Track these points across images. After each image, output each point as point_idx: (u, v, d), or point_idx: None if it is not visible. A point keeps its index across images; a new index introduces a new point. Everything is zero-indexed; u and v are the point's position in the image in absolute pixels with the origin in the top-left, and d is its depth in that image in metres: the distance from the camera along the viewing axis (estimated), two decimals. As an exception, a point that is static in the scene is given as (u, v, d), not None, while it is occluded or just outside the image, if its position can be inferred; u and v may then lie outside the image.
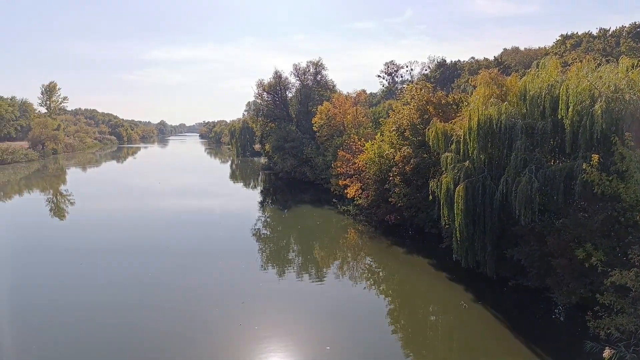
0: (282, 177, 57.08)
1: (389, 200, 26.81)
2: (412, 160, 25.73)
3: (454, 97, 27.03)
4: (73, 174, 74.05)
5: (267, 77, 64.48)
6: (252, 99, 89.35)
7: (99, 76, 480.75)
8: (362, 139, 35.42)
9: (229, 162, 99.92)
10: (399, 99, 38.34)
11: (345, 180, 33.94)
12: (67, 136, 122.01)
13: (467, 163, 18.71)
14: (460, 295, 18.33)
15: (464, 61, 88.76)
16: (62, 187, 55.73)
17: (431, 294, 19.96)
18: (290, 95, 64.25)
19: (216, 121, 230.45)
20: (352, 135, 37.43)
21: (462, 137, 18.92)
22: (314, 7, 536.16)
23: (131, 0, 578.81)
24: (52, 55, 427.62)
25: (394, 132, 28.88)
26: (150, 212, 37.35)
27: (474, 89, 20.83)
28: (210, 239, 28.51)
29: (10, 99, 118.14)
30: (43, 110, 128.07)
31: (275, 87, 62.44)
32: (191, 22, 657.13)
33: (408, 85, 34.26)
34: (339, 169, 35.43)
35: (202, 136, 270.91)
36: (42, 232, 31.38)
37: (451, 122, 21.39)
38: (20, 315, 16.57)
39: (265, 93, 63.24)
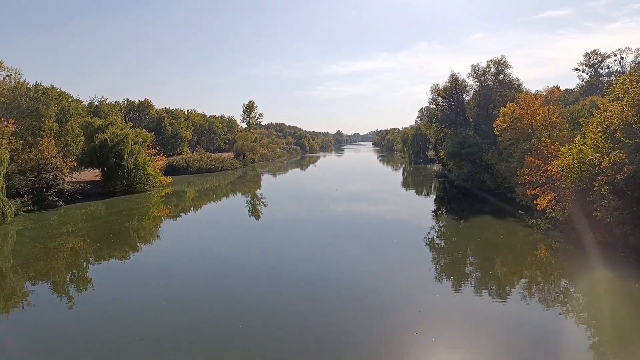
0: (457, 185, 54.21)
1: (593, 214, 22.54)
2: (625, 168, 21.16)
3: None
4: (266, 179, 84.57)
5: (442, 82, 62.49)
6: (425, 105, 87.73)
7: (286, 93, 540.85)
8: (556, 143, 30.85)
9: (401, 170, 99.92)
10: (605, 95, 32.42)
11: (534, 189, 30.01)
12: (262, 147, 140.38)
13: None
14: None
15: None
16: (258, 191, 63.99)
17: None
18: (467, 98, 60.80)
19: (388, 129, 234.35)
20: (542, 138, 32.94)
21: None
22: (495, 1, 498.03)
23: (315, 22, 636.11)
24: (252, 78, 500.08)
25: (599, 134, 24.28)
26: (328, 215, 39.72)
27: None
28: (382, 244, 28.62)
29: (220, 117, 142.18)
30: (244, 125, 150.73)
31: (450, 91, 59.90)
32: (366, 35, 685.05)
33: (619, 77, 28.48)
34: (526, 176, 31.54)
35: (375, 144, 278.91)
36: (239, 230, 36.43)
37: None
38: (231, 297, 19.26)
39: (440, 98, 61.23)
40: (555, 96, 45.52)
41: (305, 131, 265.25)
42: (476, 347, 14.76)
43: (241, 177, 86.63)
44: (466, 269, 24.62)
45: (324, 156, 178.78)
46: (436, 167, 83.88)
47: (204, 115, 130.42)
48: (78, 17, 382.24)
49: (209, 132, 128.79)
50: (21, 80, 58.62)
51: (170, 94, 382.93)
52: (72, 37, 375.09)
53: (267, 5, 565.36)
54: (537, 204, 29.19)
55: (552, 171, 28.14)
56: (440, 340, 15.03)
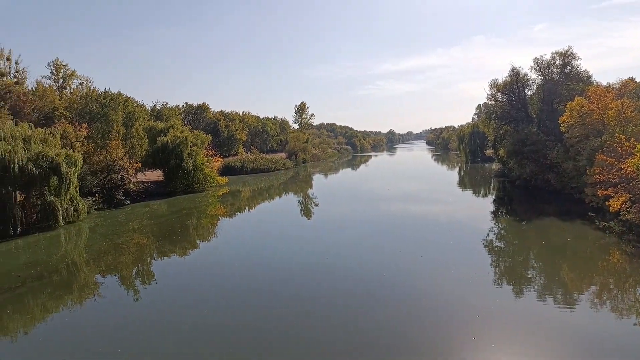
0: (519, 185, 51.56)
1: (676, 216, 20.54)
2: None
3: None
4: (317, 179, 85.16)
5: (501, 76, 59.64)
6: (482, 101, 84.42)
7: (337, 93, 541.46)
8: (632, 139, 28.47)
9: (457, 169, 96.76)
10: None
11: (606, 189, 27.92)
12: (313, 147, 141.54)
13: None
14: None
15: None
16: (309, 191, 64.56)
17: None
18: (529, 93, 57.63)
19: (443, 127, 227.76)
20: (616, 134, 30.53)
21: None
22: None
23: (366, 20, 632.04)
24: (303, 79, 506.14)
25: (683, 128, 22.10)
26: (380, 215, 39.23)
27: None
28: (438, 245, 27.79)
29: (273, 119, 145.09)
30: (296, 126, 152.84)
31: (511, 86, 57.09)
32: (420, 31, 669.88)
33: None
34: (597, 176, 29.40)
35: (429, 143, 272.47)
36: (292, 228, 36.88)
37: None
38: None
39: (499, 93, 58.55)
40: (630, 88, 42.00)
41: (357, 131, 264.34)
42: (540, 356, 13.89)
43: (293, 177, 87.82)
44: (528, 273, 23.33)
45: (376, 156, 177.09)
46: (495, 166, 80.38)
47: (257, 117, 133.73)
48: (139, 26, 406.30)
49: (263, 133, 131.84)
50: (92, 88, 63.27)
51: (225, 97, 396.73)
52: (135, 45, 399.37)
53: (318, 6, 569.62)
54: (609, 205, 27.14)
55: (627, 170, 26.03)
56: (500, 347, 14.33)
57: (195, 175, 58.78)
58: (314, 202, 52.00)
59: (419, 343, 14.85)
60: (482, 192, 57.25)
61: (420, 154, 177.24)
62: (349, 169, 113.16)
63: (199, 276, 23.95)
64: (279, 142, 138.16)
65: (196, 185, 59.35)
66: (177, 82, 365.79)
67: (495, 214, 40.29)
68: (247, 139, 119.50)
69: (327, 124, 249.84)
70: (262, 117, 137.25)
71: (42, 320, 18.79)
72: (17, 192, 33.93)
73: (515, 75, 56.62)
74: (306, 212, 46.63)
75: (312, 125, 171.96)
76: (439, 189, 58.75)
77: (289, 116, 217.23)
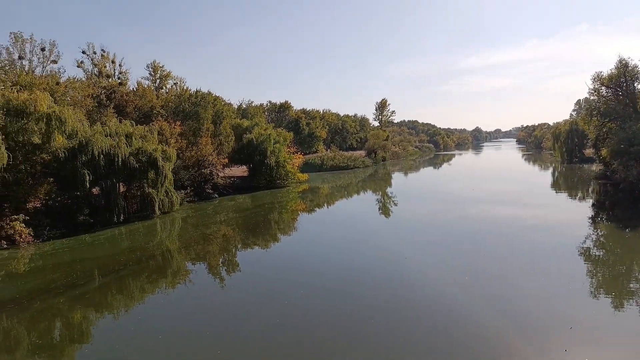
0: (623, 189, 46.31)
1: None
2: None
3: None
4: (396, 178, 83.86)
5: (606, 69, 54.00)
6: (582, 96, 76.85)
7: (419, 89, 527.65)
8: None
9: (551, 170, 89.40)
10: None
11: None
12: (393, 145, 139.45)
13: None
14: None
15: None
16: (388, 189, 63.82)
17: None
18: (639, 87, 51.47)
19: (536, 124, 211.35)
20: None
21: None
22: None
23: (448, 13, 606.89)
24: (385, 76, 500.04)
25: None
26: (463, 217, 37.59)
27: None
28: (526, 251, 25.96)
29: (353, 116, 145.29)
30: (376, 123, 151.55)
31: (618, 79, 51.39)
32: (512, 21, 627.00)
33: None
34: None
35: (519, 141, 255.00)
36: (370, 227, 36.79)
37: None
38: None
39: (603, 87, 53.03)
40: None
41: (440, 128, 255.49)
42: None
43: (372, 175, 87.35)
44: (631, 285, 20.92)
45: (460, 154, 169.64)
46: (595, 167, 72.95)
47: (337, 115, 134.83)
48: (228, 30, 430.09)
49: (342, 130, 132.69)
50: (185, 87, 68.27)
51: (306, 94, 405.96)
52: (225, 46, 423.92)
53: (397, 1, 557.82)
54: None
55: None
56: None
57: (277, 172, 61.07)
58: (392, 201, 51.34)
59: (505, 351, 14.09)
60: (579, 196, 52.32)
61: (509, 153, 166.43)
62: (431, 168, 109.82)
63: (280, 268, 24.93)
64: (359, 139, 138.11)
65: (278, 181, 61.62)
66: (262, 82, 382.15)
67: (594, 219, 36.62)
68: (327, 136, 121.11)
69: (409, 121, 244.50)
70: (342, 115, 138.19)
71: (140, 301, 20.85)
72: (120, 184, 37.83)
73: (624, 67, 50.86)
74: (384, 210, 46.20)
75: (392, 122, 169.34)
76: (530, 191, 54.74)
77: (369, 113, 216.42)
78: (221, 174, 55.92)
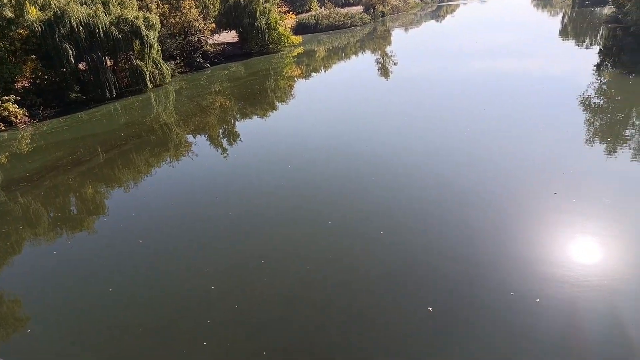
0: (634, 32, 43.98)
1: None
2: None
3: None
4: (397, 35, 79.27)
5: None
6: None
7: None
8: None
9: (560, 15, 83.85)
10: None
11: None
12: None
13: None
14: None
15: None
16: (388, 48, 60.86)
17: None
18: None
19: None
20: None
21: None
22: None
23: None
24: None
25: None
26: (465, 73, 36.54)
27: None
28: (526, 102, 25.76)
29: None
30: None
31: None
32: None
33: None
34: None
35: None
36: (370, 90, 36.06)
37: None
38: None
39: None
40: None
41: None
42: (624, 215, 13.34)
43: (370, 33, 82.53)
44: (627, 132, 21.19)
45: (465, 4, 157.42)
46: (607, 10, 68.19)
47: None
48: None
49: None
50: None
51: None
52: None
53: None
54: None
55: None
56: (580, 202, 13.88)
57: (269, 35, 57.62)
58: (392, 61, 49.36)
59: (501, 197, 14.91)
60: (586, 42, 49.87)
61: (516, 1, 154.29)
62: (433, 22, 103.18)
63: (280, 135, 25.16)
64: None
65: (271, 46, 58.60)
66: None
67: (598, 66, 35.48)
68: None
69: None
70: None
71: (147, 173, 21.55)
72: (107, 58, 36.10)
73: None
74: (384, 72, 44.76)
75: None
76: (536, 41, 52.11)
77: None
78: (210, 41, 52.90)
